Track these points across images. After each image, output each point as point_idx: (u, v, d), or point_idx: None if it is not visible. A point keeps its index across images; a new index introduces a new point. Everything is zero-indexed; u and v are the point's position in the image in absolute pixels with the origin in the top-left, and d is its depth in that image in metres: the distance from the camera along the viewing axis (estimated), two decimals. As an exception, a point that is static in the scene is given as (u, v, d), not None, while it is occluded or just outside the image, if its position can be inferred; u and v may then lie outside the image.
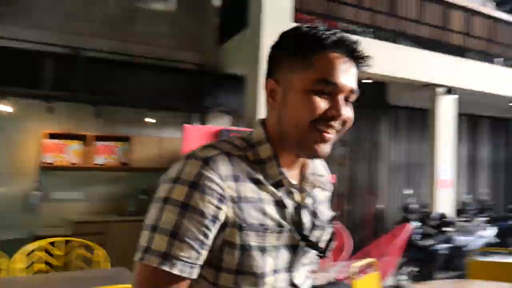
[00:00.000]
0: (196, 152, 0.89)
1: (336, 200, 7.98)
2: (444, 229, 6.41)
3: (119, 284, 2.57)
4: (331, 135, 0.91)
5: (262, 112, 5.51)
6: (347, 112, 0.92)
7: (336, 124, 0.91)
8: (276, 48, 0.96)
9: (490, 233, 6.89)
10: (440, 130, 7.65)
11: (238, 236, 0.87)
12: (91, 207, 6.10)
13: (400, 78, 7.04)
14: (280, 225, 0.92)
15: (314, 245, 0.97)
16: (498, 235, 8.16)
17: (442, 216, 6.82)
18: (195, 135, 4.94)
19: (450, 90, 7.62)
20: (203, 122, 6.65)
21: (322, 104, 0.89)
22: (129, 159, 6.05)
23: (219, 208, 0.85)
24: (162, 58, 6.25)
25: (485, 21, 8.35)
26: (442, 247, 6.01)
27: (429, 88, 7.60)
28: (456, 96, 7.69)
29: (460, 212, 8.87)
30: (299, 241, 0.95)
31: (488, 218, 8.13)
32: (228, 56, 6.48)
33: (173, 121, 6.61)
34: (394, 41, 6.99)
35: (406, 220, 6.78)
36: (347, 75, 0.89)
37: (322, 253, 1.00)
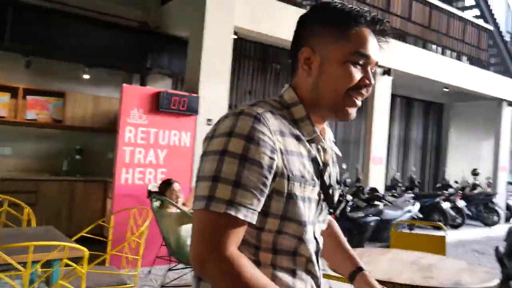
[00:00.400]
0: (245, 109, 0.94)
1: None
2: (375, 202, 6.70)
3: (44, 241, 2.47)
4: (360, 101, 1.03)
5: (204, 75, 5.41)
6: (372, 79, 1.04)
7: (365, 91, 1.03)
8: (309, 19, 1.05)
9: (415, 208, 7.31)
10: (377, 109, 7.92)
11: (285, 185, 0.94)
12: (21, 164, 5.77)
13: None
14: (313, 179, 1.00)
15: (331, 202, 1.07)
16: (422, 211, 8.71)
17: (374, 190, 7.13)
18: (133, 96, 4.76)
19: (388, 71, 7.88)
20: (143, 83, 6.43)
21: (357, 74, 1.00)
22: (63, 116, 5.74)
23: (272, 159, 0.91)
24: (102, 12, 5.92)
25: (425, 8, 8.65)
26: (372, 219, 6.29)
27: (370, 68, 7.81)
28: (391, 78, 7.95)
29: (390, 188, 9.34)
30: (321, 196, 1.03)
31: (414, 195, 8.63)
32: (171, 17, 6.26)
33: (111, 79, 6.33)
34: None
35: (341, 193, 7.03)
36: (375, 49, 1.03)
37: (334, 210, 1.10)
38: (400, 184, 9.46)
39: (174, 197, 4.01)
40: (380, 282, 2.08)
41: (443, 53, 9.35)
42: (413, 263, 2.44)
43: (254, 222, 0.90)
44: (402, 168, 11.30)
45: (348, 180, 8.75)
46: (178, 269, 4.19)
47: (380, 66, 7.78)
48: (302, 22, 1.06)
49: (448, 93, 10.20)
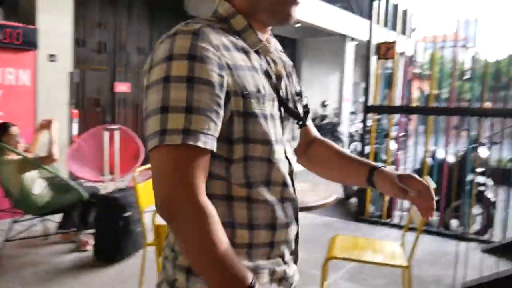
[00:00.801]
0: (180, 28, 0.84)
1: (132, 110, 7.80)
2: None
3: None
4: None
5: (42, 3, 4.79)
6: None
7: None
8: None
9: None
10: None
11: (242, 104, 0.84)
12: None
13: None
14: (271, 93, 0.91)
15: (295, 114, 0.98)
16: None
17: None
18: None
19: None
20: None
21: None
22: None
23: (221, 76, 0.82)
24: None
25: None
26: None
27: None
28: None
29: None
30: (281, 111, 0.94)
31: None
32: None
33: None
34: None
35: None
36: None
37: (302, 122, 1.00)
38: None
39: (12, 142, 3.61)
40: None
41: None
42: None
43: (215, 150, 0.81)
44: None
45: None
46: (25, 220, 3.88)
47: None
48: None
49: (300, 28, 10.68)
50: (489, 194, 4.39)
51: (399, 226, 4.70)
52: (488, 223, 4.36)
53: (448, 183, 4.58)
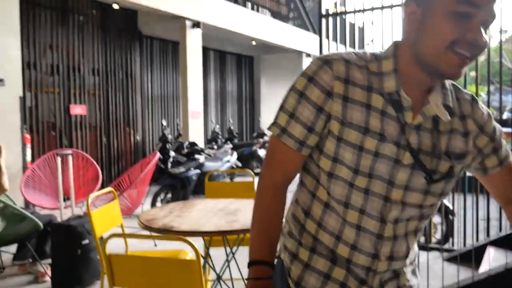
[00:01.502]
0: (323, 56, 1.02)
1: (90, 133, 7.60)
2: (195, 156, 6.86)
3: None
4: (465, 58, 0.90)
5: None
6: (485, 37, 0.90)
7: (472, 48, 0.89)
8: None
9: (233, 158, 7.73)
10: (190, 62, 7.97)
11: (338, 129, 0.98)
12: None
13: (147, 7, 6.92)
14: (381, 134, 0.97)
15: (421, 165, 0.98)
16: (242, 159, 9.29)
17: (193, 144, 7.29)
18: None
19: (198, 24, 7.93)
20: None
21: (462, 26, 0.88)
22: None
23: (326, 101, 0.98)
24: None
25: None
26: (193, 173, 6.45)
27: (179, 21, 7.74)
28: (200, 30, 8.05)
29: (211, 140, 9.67)
30: (402, 158, 0.98)
31: (232, 146, 9.12)
32: None
33: None
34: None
35: (164, 150, 6.99)
36: (487, 2, 0.88)
37: (430, 179, 0.98)
38: (220, 136, 9.85)
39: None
40: (187, 233, 2.16)
41: (245, 6, 9.76)
42: (220, 210, 2.57)
43: (303, 153, 1.02)
44: (221, 121, 11.79)
45: (169, 136, 8.75)
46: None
47: (189, 19, 7.78)
48: None
49: (256, 46, 10.82)
50: (448, 203, 4.52)
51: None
52: (448, 232, 4.47)
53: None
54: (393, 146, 0.97)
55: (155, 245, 4.38)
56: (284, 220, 1.10)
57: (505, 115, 12.31)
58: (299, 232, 1.08)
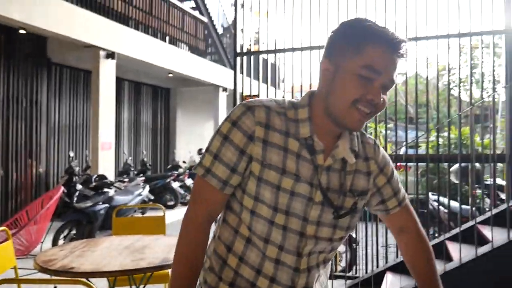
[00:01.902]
0: (247, 102, 1.11)
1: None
2: (104, 190, 6.56)
3: None
4: (365, 115, 1.04)
5: None
6: (383, 98, 1.05)
7: (371, 106, 1.03)
8: (335, 34, 1.09)
9: (145, 191, 7.50)
10: (102, 93, 7.73)
11: (259, 170, 1.07)
12: None
13: (57, 34, 6.66)
14: (296, 174, 1.07)
15: (329, 202, 1.10)
16: (155, 193, 9.03)
17: (102, 177, 6.97)
18: None
19: (112, 55, 7.76)
20: None
21: (364, 87, 1.02)
22: None
23: (247, 144, 1.07)
24: None
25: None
26: (101, 207, 6.14)
27: (92, 50, 7.53)
28: (115, 61, 7.89)
29: (122, 173, 9.31)
30: (314, 196, 1.09)
31: (145, 178, 8.86)
32: None
33: None
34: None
35: (70, 183, 6.61)
36: (389, 68, 1.03)
37: (337, 215, 1.11)
38: (132, 169, 9.54)
39: None
40: (89, 273, 2.04)
41: (163, 40, 9.77)
42: (126, 248, 2.46)
43: (226, 192, 1.10)
44: (135, 152, 11.45)
45: (77, 169, 8.30)
46: None
47: (103, 49, 7.59)
48: (330, 37, 1.11)
49: (173, 78, 10.79)
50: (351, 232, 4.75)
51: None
52: (352, 260, 4.68)
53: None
54: (307, 185, 1.09)
55: (56, 288, 4.05)
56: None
57: (401, 151, 13.35)
58: (220, 267, 1.14)
